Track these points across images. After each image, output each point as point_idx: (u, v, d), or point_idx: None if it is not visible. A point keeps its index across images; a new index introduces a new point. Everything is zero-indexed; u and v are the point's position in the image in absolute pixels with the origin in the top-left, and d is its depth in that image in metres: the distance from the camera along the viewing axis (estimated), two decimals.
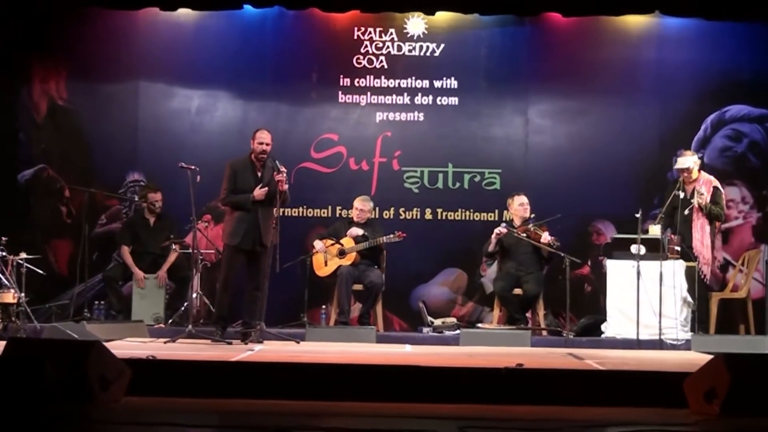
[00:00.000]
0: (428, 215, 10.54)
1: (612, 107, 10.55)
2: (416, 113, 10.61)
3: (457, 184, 10.55)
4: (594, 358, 7.31)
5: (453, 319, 9.88)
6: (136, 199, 10.26)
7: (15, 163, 10.56)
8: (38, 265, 9.30)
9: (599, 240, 10.48)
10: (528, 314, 9.71)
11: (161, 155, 10.38)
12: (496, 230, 9.62)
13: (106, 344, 5.36)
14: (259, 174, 8.68)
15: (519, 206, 9.77)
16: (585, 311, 9.93)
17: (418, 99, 10.61)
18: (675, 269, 9.01)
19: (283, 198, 8.54)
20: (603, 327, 9.35)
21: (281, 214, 10.20)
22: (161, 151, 10.43)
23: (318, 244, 9.76)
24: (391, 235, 9.65)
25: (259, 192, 8.52)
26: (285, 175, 8.48)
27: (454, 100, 10.59)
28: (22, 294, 8.91)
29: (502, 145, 10.59)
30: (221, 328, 8.60)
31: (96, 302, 9.78)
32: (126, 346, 7.73)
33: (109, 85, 10.57)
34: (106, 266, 10.20)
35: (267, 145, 8.61)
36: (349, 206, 10.25)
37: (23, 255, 9.06)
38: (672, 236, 9.30)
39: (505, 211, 10.16)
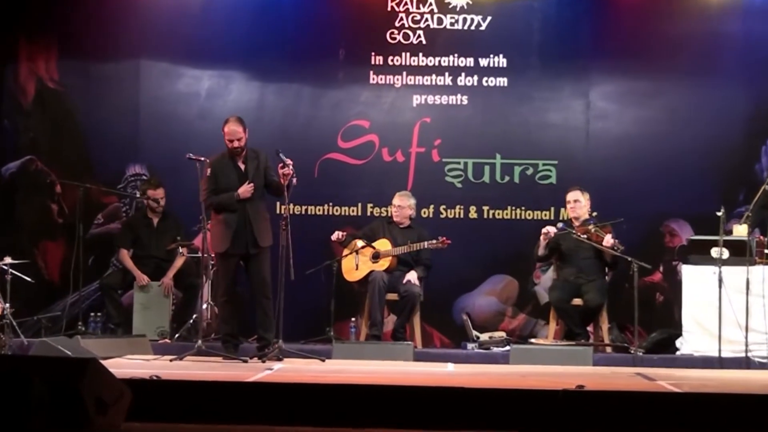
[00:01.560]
0: (473, 213, 10.52)
1: (688, 88, 10.46)
2: (459, 96, 10.59)
3: (507, 178, 10.52)
4: (667, 379, 7.26)
5: (502, 334, 9.82)
6: (138, 195, 10.29)
7: None
8: (25, 271, 9.33)
9: (673, 242, 10.40)
10: (589, 328, 9.65)
11: (166, 145, 10.41)
12: (544, 230, 9.57)
13: (104, 362, 5.33)
14: (243, 167, 8.71)
15: (575, 203, 9.70)
16: (656, 324, 9.85)
17: (462, 80, 10.58)
18: (765, 276, 8.92)
19: (280, 191, 8.56)
20: (678, 343, 9.29)
21: (303, 212, 10.27)
22: (166, 141, 10.46)
23: (336, 235, 9.77)
24: (434, 241, 9.61)
25: (244, 189, 8.56)
26: (292, 167, 8.44)
27: (502, 81, 10.56)
28: (7, 305, 8.93)
29: (558, 132, 10.53)
30: (232, 345, 8.64)
31: (92, 314, 9.81)
32: (126, 365, 7.79)
33: (106, 64, 10.61)
34: (103, 272, 10.25)
35: (238, 141, 8.61)
36: (382, 203, 10.30)
37: (8, 260, 9.08)
38: (761, 237, 9.20)
39: (562, 209, 10.10)
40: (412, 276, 9.62)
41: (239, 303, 8.82)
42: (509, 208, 10.49)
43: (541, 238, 9.58)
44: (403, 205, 9.88)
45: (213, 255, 9.09)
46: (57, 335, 9.17)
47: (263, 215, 8.72)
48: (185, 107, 10.66)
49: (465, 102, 10.59)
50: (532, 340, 9.69)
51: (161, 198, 9.97)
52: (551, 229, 9.53)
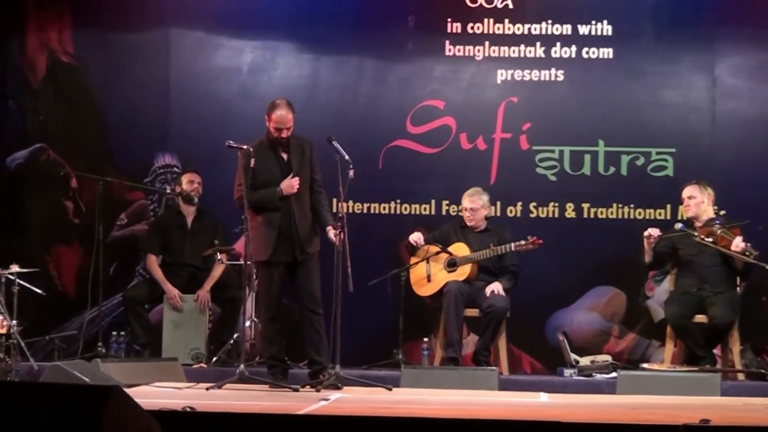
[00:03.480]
0: (570, 212, 10.51)
1: None
2: (553, 71, 10.59)
3: (612, 169, 10.49)
4: None
5: (607, 357, 9.79)
6: (168, 190, 10.34)
7: (3, 141, 10.72)
8: (35, 281, 9.41)
9: None
10: (716, 350, 9.60)
11: (201, 130, 10.50)
12: (645, 233, 9.49)
13: (128, 390, 5.35)
14: (285, 158, 8.66)
15: (689, 200, 9.62)
16: None
17: (557, 51, 10.57)
18: None
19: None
20: None
21: (365, 210, 10.24)
22: (201, 125, 10.55)
23: (417, 237, 9.69)
24: (522, 242, 9.56)
25: (288, 184, 8.50)
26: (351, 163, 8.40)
27: (607, 52, 10.53)
28: (14, 322, 8.99)
29: (676, 114, 10.49)
30: (280, 371, 8.65)
31: (114, 333, 9.86)
32: (155, 394, 7.81)
33: (130, 34, 10.71)
34: (127, 283, 10.33)
35: (287, 130, 8.57)
36: (460, 200, 10.19)
37: (15, 268, 9.14)
38: None
39: (681, 207, 10.00)
40: (496, 287, 9.57)
41: (287, 320, 8.75)
42: (615, 205, 10.45)
43: (644, 243, 9.49)
44: (475, 207, 9.81)
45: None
46: (72, 358, 9.27)
47: (311, 215, 8.68)
48: (224, 85, 10.73)
49: (560, 77, 10.57)
50: (644, 365, 9.60)
51: (198, 183, 9.96)
52: (653, 232, 9.45)
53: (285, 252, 8.55)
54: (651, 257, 9.58)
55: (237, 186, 8.54)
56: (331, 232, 8.42)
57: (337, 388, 8.30)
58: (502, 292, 9.54)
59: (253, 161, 8.46)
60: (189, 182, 9.95)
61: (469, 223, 9.84)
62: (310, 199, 8.62)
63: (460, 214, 10.19)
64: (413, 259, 9.76)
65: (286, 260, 8.58)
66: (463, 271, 9.64)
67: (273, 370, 8.64)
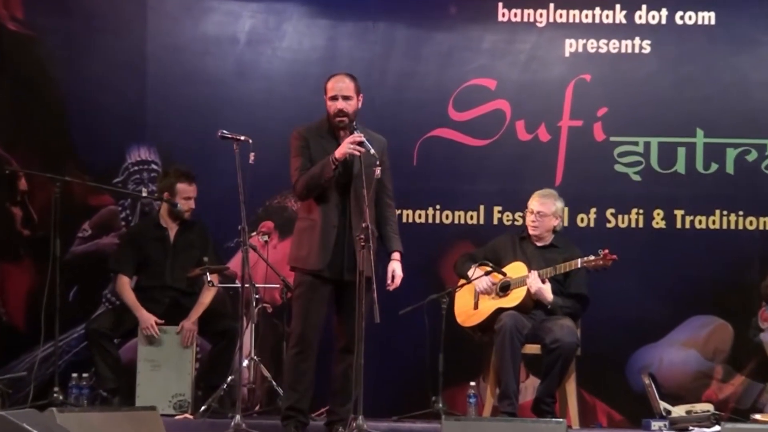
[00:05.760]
0: (659, 221, 10.52)
1: None
2: (637, 41, 10.64)
3: (714, 166, 10.50)
4: None
5: (708, 407, 9.69)
6: (144, 194, 10.32)
7: None
8: None
9: None
10: None
11: (187, 118, 10.56)
12: None
13: None
14: None
15: None
16: None
17: (642, 15, 10.62)
18: None
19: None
20: None
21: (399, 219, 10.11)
22: (187, 111, 10.57)
23: (482, 283, 9.58)
24: (592, 257, 9.43)
25: (344, 145, 8.29)
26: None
27: (707, 17, 10.58)
28: None
29: None
30: (297, 424, 8.49)
31: (74, 375, 9.78)
32: None
33: None
34: (91, 312, 10.30)
35: (345, 99, 8.48)
36: (516, 205, 10.28)
37: None
38: None
39: None
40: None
41: (315, 359, 8.57)
42: (718, 212, 10.46)
43: None
44: (545, 212, 9.69)
45: (287, 276, 9.04)
46: (21, 407, 9.11)
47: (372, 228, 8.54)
48: (215, 59, 10.78)
49: (646, 50, 10.62)
50: (756, 416, 9.57)
51: (192, 196, 9.87)
52: None
53: (335, 266, 8.43)
54: None
55: (293, 169, 8.45)
56: (395, 264, 8.44)
57: None
58: (569, 324, 9.29)
59: (296, 142, 8.47)
60: (186, 199, 9.84)
61: (532, 231, 9.71)
62: (375, 208, 8.53)
63: (518, 222, 10.15)
64: (461, 281, 9.67)
65: (334, 277, 8.46)
66: (516, 296, 9.50)
67: (287, 422, 8.47)
